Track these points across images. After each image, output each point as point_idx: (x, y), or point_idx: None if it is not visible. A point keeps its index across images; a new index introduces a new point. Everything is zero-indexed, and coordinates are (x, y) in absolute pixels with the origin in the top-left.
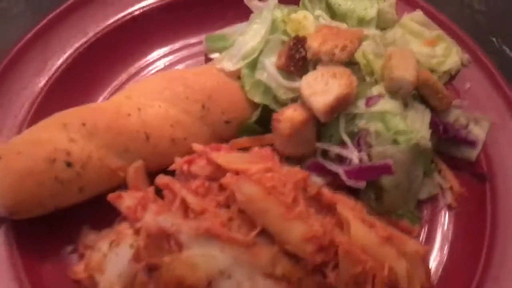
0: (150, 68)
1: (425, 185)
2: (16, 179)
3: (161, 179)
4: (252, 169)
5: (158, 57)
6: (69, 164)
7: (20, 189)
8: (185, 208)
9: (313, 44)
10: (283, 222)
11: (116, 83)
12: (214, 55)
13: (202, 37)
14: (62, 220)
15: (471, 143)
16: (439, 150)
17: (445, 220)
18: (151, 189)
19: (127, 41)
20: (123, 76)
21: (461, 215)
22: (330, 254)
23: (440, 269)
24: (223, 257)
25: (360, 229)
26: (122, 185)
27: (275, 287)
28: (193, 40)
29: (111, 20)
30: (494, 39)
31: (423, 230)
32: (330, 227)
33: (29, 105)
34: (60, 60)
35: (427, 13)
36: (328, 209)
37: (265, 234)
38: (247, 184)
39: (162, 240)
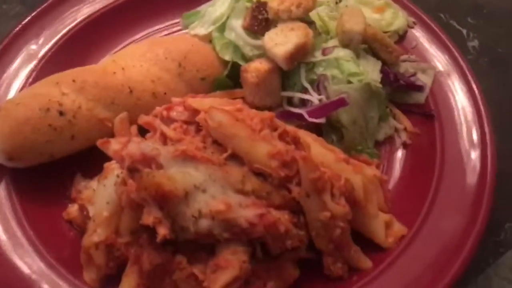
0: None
1: (382, 128)
2: (15, 125)
3: (143, 118)
4: (225, 108)
5: (139, 38)
6: (61, 113)
7: (18, 135)
8: (164, 139)
9: (273, 4)
10: (250, 143)
11: (105, 58)
12: None
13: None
14: (57, 171)
15: (419, 88)
16: (392, 98)
17: (401, 155)
18: (134, 127)
19: (118, 22)
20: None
21: (415, 150)
22: (293, 170)
23: (397, 196)
24: (198, 174)
25: (319, 150)
26: (110, 136)
27: (245, 200)
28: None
29: (100, 6)
30: (442, 15)
31: (382, 165)
32: (293, 148)
33: (26, 78)
34: (50, 43)
35: None
36: (294, 143)
37: (236, 158)
38: (217, 112)
39: (143, 164)
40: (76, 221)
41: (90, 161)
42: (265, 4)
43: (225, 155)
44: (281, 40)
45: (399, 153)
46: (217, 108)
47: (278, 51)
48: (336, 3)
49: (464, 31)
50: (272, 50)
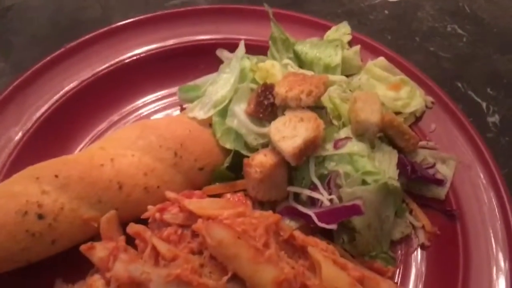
0: (128, 118)
1: (397, 225)
2: None
3: (132, 228)
4: (224, 214)
5: (133, 109)
6: (40, 217)
7: None
8: (156, 256)
9: (280, 90)
10: (254, 266)
11: (92, 134)
12: (188, 105)
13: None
14: (34, 273)
15: (439, 182)
16: (409, 190)
17: (419, 259)
18: (121, 238)
19: (105, 94)
20: (99, 128)
21: (435, 253)
22: None
23: None
24: None
25: (332, 271)
26: (96, 236)
27: None
28: (165, 92)
29: (87, 75)
30: (459, 84)
31: (398, 270)
32: (302, 270)
33: (5, 158)
34: (36, 113)
35: (390, 59)
36: (301, 252)
37: (237, 279)
38: (217, 228)
39: None
40: None
41: (72, 261)
42: (271, 88)
43: (225, 278)
44: (289, 133)
45: (417, 256)
46: (216, 223)
47: (286, 146)
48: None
49: (484, 104)
50: (279, 144)
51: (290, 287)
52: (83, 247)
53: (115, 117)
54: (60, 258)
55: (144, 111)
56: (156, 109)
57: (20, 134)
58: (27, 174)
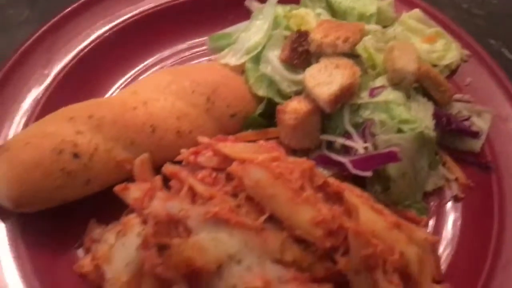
0: (154, 68)
1: (431, 177)
2: (23, 170)
3: (168, 168)
4: (259, 158)
5: (162, 58)
6: (76, 156)
7: (27, 180)
8: (193, 195)
9: (316, 36)
10: (292, 207)
11: (122, 81)
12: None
13: (203, 39)
14: (68, 215)
15: (474, 134)
16: (443, 143)
17: (452, 211)
18: (158, 178)
19: (132, 42)
20: (129, 75)
21: (468, 205)
22: (340, 239)
23: (449, 260)
24: (232, 242)
25: (369, 215)
26: (129, 178)
27: (284, 274)
28: (195, 42)
29: (116, 22)
30: (493, 42)
31: (431, 221)
32: (339, 212)
33: (35, 104)
34: (65, 59)
35: (425, 11)
36: (336, 198)
37: (274, 220)
38: (255, 169)
39: (170, 227)
40: (90, 276)
41: (106, 204)
42: (306, 34)
43: (262, 218)
44: (325, 80)
45: (450, 208)
46: (253, 164)
47: (321, 92)
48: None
49: None
50: (314, 91)
51: (328, 228)
52: (117, 188)
53: (143, 64)
54: (93, 200)
55: (172, 60)
56: (183, 59)
57: (50, 77)
58: (61, 115)
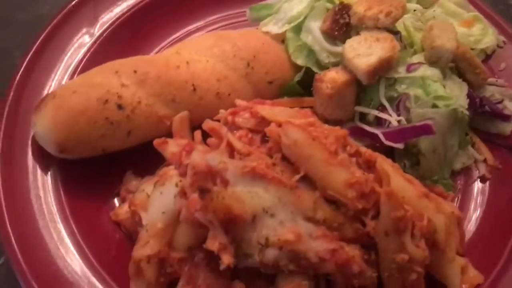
0: (196, 34)
1: (459, 156)
2: (70, 116)
3: (208, 124)
4: (296, 122)
5: (202, 26)
6: (120, 107)
7: (72, 126)
8: (231, 151)
9: (359, 9)
10: (326, 168)
11: (164, 44)
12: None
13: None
14: (107, 165)
15: (506, 118)
16: (474, 125)
17: (478, 190)
18: (198, 132)
19: (176, 7)
20: (171, 39)
21: (494, 186)
22: (371, 202)
23: (471, 237)
24: (267, 196)
25: (400, 182)
26: (167, 135)
27: (315, 231)
28: (235, 12)
29: None
30: None
31: (456, 198)
32: (372, 177)
33: (80, 59)
34: (111, 19)
35: None
36: (367, 166)
37: (308, 180)
38: (293, 128)
39: (208, 178)
40: (125, 224)
41: (143, 158)
42: (349, 7)
43: (297, 177)
44: (364, 51)
45: (476, 188)
46: (292, 124)
47: (360, 63)
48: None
49: None
50: (353, 61)
51: (361, 190)
52: (156, 141)
53: (186, 29)
54: (131, 153)
55: (215, 27)
56: (221, 29)
57: (95, 36)
58: (107, 68)
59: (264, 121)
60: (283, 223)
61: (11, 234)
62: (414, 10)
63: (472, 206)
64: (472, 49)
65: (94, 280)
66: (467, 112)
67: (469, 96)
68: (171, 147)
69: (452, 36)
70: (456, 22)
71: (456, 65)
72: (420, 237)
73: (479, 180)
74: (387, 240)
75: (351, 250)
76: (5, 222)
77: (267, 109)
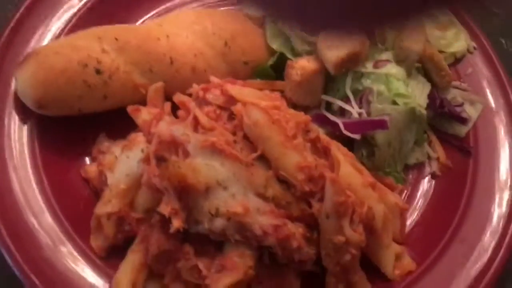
0: (184, 8)
1: (414, 152)
2: (51, 74)
3: (179, 97)
4: (261, 103)
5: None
6: (98, 72)
7: (52, 84)
8: (196, 125)
9: None
10: (281, 150)
11: (149, 15)
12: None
13: None
14: (82, 126)
15: (463, 120)
16: (433, 124)
17: (427, 185)
18: (167, 104)
19: None
20: (155, 12)
21: (442, 183)
22: (318, 186)
23: (413, 227)
24: (223, 170)
25: (348, 170)
26: (141, 103)
27: (264, 206)
28: None
29: None
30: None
31: (405, 191)
32: (322, 163)
33: (65, 23)
34: None
35: None
36: (323, 152)
37: (263, 160)
38: (256, 110)
39: (170, 148)
40: (93, 182)
41: (116, 122)
42: None
43: (254, 155)
44: (336, 44)
45: (426, 183)
46: (255, 106)
47: (330, 55)
48: None
49: None
50: (324, 52)
51: (310, 173)
52: (130, 108)
53: (171, 3)
54: (106, 116)
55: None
56: (211, 5)
57: (82, 2)
58: (90, 33)
59: (232, 100)
60: (234, 196)
61: None
62: None
63: (419, 198)
64: (442, 51)
65: (58, 231)
66: (424, 112)
67: (430, 96)
68: (143, 115)
69: (421, 39)
70: (433, 24)
71: (423, 66)
72: (358, 223)
73: (429, 176)
74: (327, 222)
75: (294, 228)
76: None
77: (236, 89)
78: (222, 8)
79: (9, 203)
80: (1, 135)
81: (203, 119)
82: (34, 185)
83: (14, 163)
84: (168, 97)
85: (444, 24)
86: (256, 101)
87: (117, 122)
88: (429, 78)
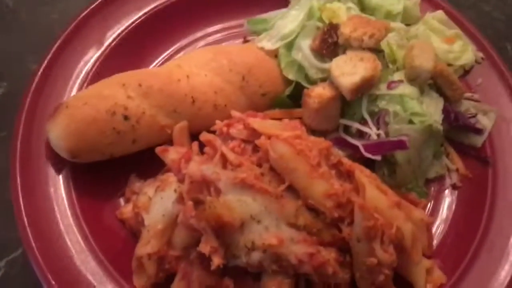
0: (196, 44)
1: (434, 166)
2: (81, 125)
3: (205, 136)
4: (284, 134)
5: (203, 36)
6: (126, 118)
7: (83, 135)
8: (224, 162)
9: (345, 30)
10: (308, 180)
11: (166, 54)
12: (252, 38)
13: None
14: (114, 169)
15: (478, 131)
16: (449, 136)
17: (449, 197)
18: (195, 143)
19: (178, 18)
20: (173, 49)
21: (464, 194)
22: (347, 211)
23: (441, 240)
24: (255, 204)
25: (374, 193)
26: (168, 142)
27: (297, 235)
28: (230, 23)
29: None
30: (508, 46)
31: (429, 204)
32: (349, 188)
33: (89, 69)
34: (117, 32)
35: (447, 13)
36: (347, 176)
37: (292, 189)
38: (280, 144)
39: (202, 187)
40: (129, 222)
41: (146, 162)
42: (336, 27)
43: (282, 187)
44: (349, 70)
45: (448, 195)
46: (279, 140)
47: (345, 81)
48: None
49: None
50: (338, 79)
51: (338, 200)
52: (158, 149)
53: (184, 41)
54: (136, 157)
55: (210, 39)
56: (220, 39)
57: (104, 46)
58: (114, 81)
59: (255, 133)
60: (268, 228)
61: (28, 229)
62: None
63: (443, 210)
64: (451, 65)
65: (100, 272)
66: (441, 127)
67: (444, 110)
68: (171, 154)
69: (430, 57)
70: (439, 39)
71: (435, 81)
72: (389, 243)
73: (450, 187)
74: (359, 245)
75: (327, 254)
76: (23, 219)
77: (258, 122)
78: (236, 42)
79: (52, 247)
80: (41, 185)
81: (230, 156)
82: (75, 229)
83: (55, 210)
84: (192, 134)
85: (450, 38)
86: (278, 132)
87: (146, 163)
88: (441, 93)
